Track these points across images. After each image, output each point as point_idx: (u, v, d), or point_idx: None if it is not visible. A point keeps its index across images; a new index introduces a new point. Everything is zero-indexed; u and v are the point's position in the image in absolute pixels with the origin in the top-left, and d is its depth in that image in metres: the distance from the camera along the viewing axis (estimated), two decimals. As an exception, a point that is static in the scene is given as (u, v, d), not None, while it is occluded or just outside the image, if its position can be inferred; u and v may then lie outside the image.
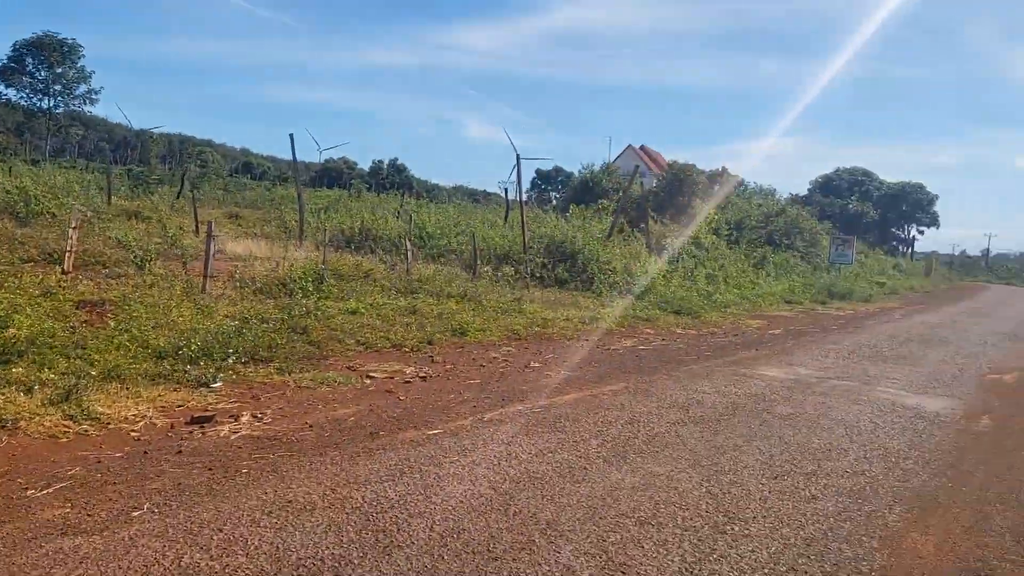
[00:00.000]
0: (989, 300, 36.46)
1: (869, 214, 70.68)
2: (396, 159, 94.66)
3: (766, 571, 4.17)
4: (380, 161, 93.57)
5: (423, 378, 8.87)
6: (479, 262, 19.19)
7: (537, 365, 10.08)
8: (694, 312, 17.75)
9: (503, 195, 38.89)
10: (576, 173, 37.37)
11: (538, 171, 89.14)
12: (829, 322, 19.03)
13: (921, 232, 79.06)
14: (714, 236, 30.43)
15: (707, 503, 5.11)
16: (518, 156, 20.67)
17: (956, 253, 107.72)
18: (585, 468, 5.67)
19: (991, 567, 4.45)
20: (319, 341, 10.08)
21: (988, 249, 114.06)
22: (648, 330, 14.74)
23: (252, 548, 4.07)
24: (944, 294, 39.62)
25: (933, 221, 77.06)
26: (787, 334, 15.70)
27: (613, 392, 8.53)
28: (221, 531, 4.24)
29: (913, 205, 75.69)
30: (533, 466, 5.65)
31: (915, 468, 6.33)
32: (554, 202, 60.81)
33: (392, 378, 8.78)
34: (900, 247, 77.60)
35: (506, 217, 29.65)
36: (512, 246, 21.76)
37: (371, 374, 8.91)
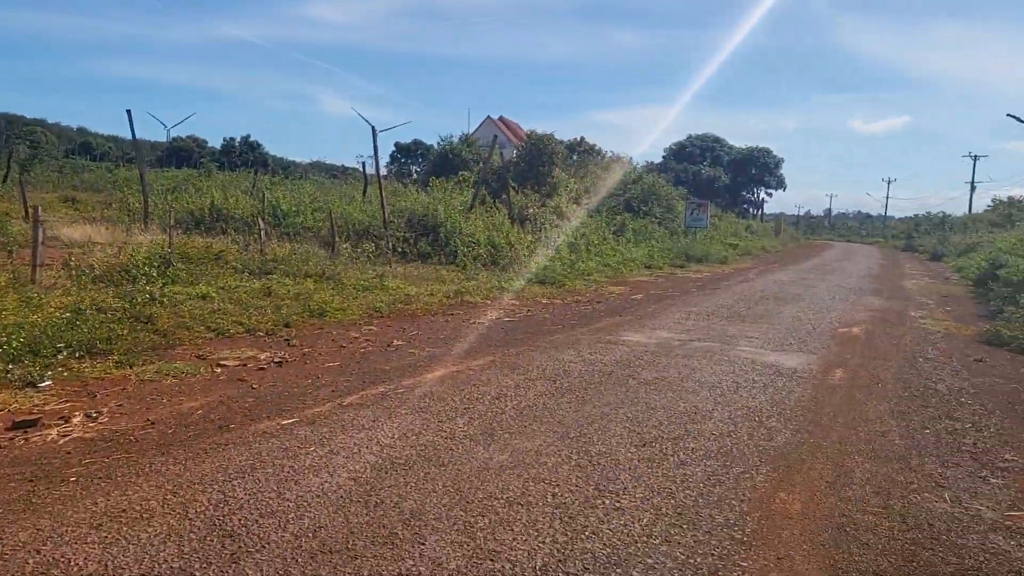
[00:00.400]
0: (833, 257, 38.51)
1: (721, 179, 73.26)
2: (249, 136, 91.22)
3: (639, 545, 4.03)
4: (232, 139, 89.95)
5: (279, 363, 8.38)
6: (338, 239, 18.59)
7: (400, 343, 9.74)
8: (558, 281, 17.78)
9: (362, 170, 38.05)
10: (435, 146, 36.77)
11: (398, 144, 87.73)
12: (688, 285, 19.48)
13: (769, 194, 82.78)
14: (575, 204, 30.70)
15: (577, 477, 4.95)
16: (374, 129, 20.06)
17: (802, 214, 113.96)
18: (451, 449, 5.41)
19: (854, 521, 4.48)
20: (165, 330, 9.39)
21: (830, 209, 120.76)
22: (513, 301, 14.60)
23: (75, 570, 3.60)
24: (793, 253, 41.60)
25: (780, 183, 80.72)
26: (648, 299, 15.92)
27: (479, 367, 8.31)
28: (39, 553, 3.74)
29: (761, 169, 79.00)
30: (396, 451, 5.34)
31: (778, 426, 6.40)
32: (415, 176, 60.06)
33: (245, 365, 8.26)
34: (751, 209, 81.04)
35: (364, 192, 28.92)
36: (372, 221, 21.21)
37: (222, 362, 8.36)
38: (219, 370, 7.96)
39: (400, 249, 19.91)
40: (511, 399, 6.90)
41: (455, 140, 35.37)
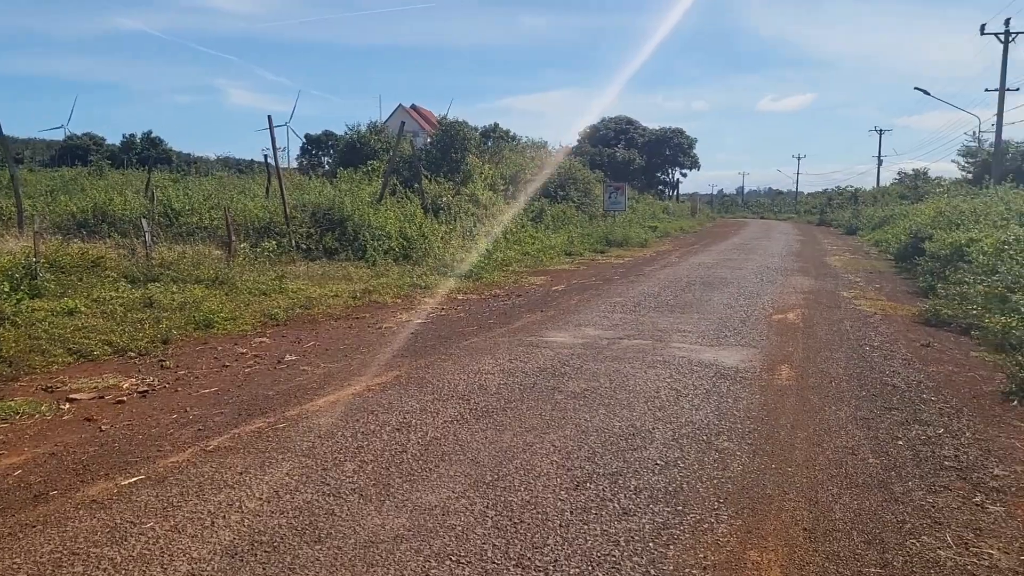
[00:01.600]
0: (752, 235, 38.34)
1: (636, 161, 73.06)
2: (151, 132, 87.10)
3: (579, 657, 2.97)
4: (132, 135, 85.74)
5: (143, 393, 7.06)
6: (234, 239, 17.07)
7: (293, 359, 8.49)
8: (475, 274, 16.71)
9: (266, 163, 36.20)
10: (343, 135, 35.11)
11: (308, 136, 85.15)
12: (610, 272, 18.60)
13: (684, 175, 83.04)
14: (491, 192, 29.62)
15: (495, 547, 3.85)
16: (269, 118, 18.58)
17: (716, 193, 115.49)
18: (334, 513, 4.25)
19: (849, 586, 3.51)
20: (12, 356, 7.95)
21: (743, 187, 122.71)
22: (426, 299, 13.44)
23: None
24: (711, 232, 41.37)
25: (694, 163, 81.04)
26: (571, 289, 14.94)
27: (381, 386, 7.14)
28: None
29: (675, 149, 79.18)
30: (263, 521, 4.16)
31: (731, 447, 5.43)
32: (327, 167, 58.04)
33: (102, 397, 6.91)
34: (667, 190, 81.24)
35: (268, 187, 27.25)
36: (273, 218, 19.72)
37: (74, 395, 6.99)
38: (67, 407, 6.61)
39: (305, 246, 18.51)
40: (415, 430, 5.76)
41: (363, 129, 33.80)
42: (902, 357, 8.72)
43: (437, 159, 31.14)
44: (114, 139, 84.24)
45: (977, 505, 4.50)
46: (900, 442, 5.60)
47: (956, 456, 5.33)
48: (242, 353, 8.82)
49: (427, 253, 19.16)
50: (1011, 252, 13.26)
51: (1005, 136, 34.85)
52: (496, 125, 50.84)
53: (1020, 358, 7.94)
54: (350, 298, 12.95)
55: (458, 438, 5.54)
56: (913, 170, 59.09)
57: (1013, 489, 4.76)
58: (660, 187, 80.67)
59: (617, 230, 29.94)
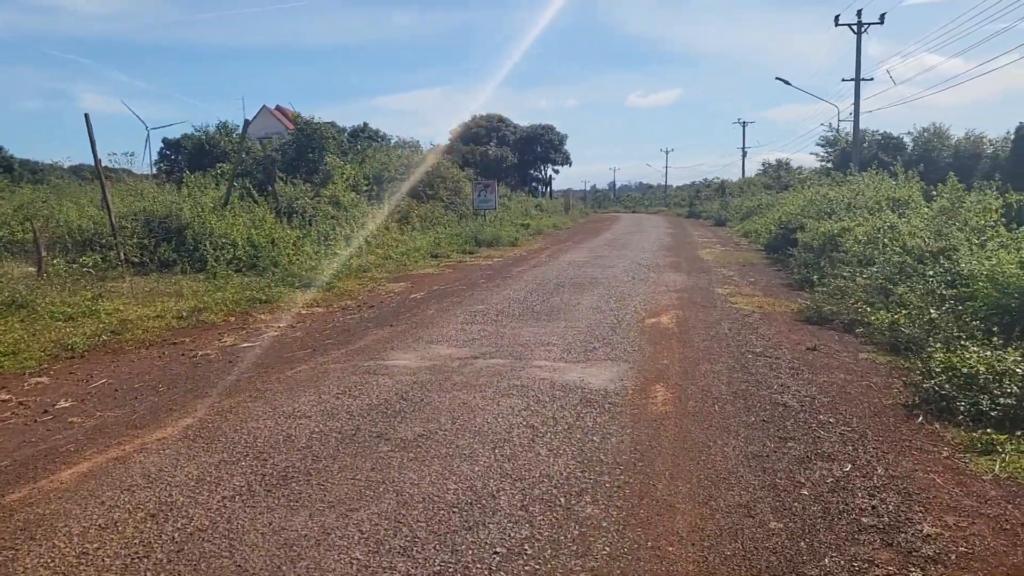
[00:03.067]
0: (624, 230, 37.91)
1: (508, 158, 72.25)
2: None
3: None
4: (-35, 143, 79.10)
5: None
6: (46, 253, 14.90)
7: (66, 405, 6.79)
8: (327, 283, 15.09)
9: (126, 169, 33.41)
10: (192, 135, 32.56)
11: (165, 140, 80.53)
12: (477, 275, 17.30)
13: (556, 171, 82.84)
14: (353, 193, 27.91)
15: None
16: (87, 115, 16.35)
17: (588, 188, 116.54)
18: None
19: None
20: None
21: (614, 182, 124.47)
22: (263, 316, 11.78)
23: None
24: (584, 228, 40.77)
25: (566, 160, 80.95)
26: (430, 297, 13.55)
27: (159, 444, 5.56)
28: None
29: (546, 146, 78.84)
30: None
31: (595, 515, 4.16)
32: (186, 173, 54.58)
33: None
34: (540, 187, 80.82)
35: (103, 194, 24.67)
36: (100, 228, 17.54)
37: None
38: None
39: (136, 259, 16.44)
40: (178, 515, 4.24)
41: (212, 130, 31.41)
42: (788, 365, 7.74)
43: (294, 160, 29.22)
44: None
45: (916, 590, 3.37)
46: (804, 491, 4.46)
47: (874, 508, 4.23)
48: (3, 401, 7.04)
49: (276, 261, 17.38)
50: (885, 240, 12.69)
51: (862, 125, 35.53)
52: (365, 125, 49.15)
53: (917, 363, 7.05)
54: (175, 319, 11.18)
55: (231, 526, 4.06)
56: (776, 160, 60.52)
57: (952, 557, 3.67)
58: (533, 184, 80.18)
59: (487, 229, 28.72)
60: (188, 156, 31.56)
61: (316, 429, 5.76)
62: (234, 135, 31.61)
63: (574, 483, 4.59)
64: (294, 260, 17.45)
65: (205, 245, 17.02)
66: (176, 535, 3.97)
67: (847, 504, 4.27)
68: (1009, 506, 4.28)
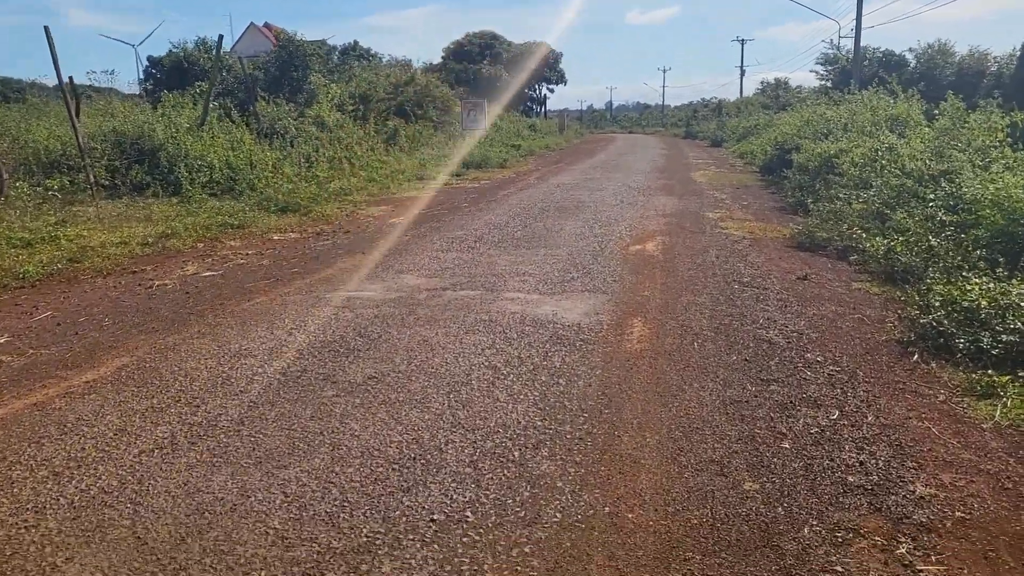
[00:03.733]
0: (618, 150, 37.09)
1: (502, 77, 70.62)
2: (-34, 57, 78.55)
3: None
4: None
5: None
6: (6, 176, 14.27)
7: (0, 341, 6.32)
8: (305, 207, 14.52)
9: (113, 89, 32.37)
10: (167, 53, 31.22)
11: (151, 59, 78.49)
12: (461, 198, 16.70)
13: (551, 91, 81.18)
14: (339, 113, 27.05)
15: None
16: (46, 28, 15.45)
17: (585, 108, 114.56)
18: None
19: None
20: None
21: (611, 102, 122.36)
22: (234, 243, 11.25)
23: None
24: (577, 149, 39.90)
25: (561, 79, 79.25)
26: (409, 222, 13.00)
27: (86, 387, 5.09)
28: None
29: (541, 64, 77.06)
30: None
31: (551, 473, 3.71)
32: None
33: None
34: (535, 107, 79.31)
35: (77, 112, 23.78)
36: (69, 149, 16.82)
37: None
38: None
39: (108, 182, 15.79)
40: (86, 473, 3.79)
41: (190, 46, 30.23)
42: (776, 297, 7.27)
43: (277, 79, 28.22)
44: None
45: (906, 566, 2.95)
46: (785, 444, 4.02)
47: (861, 464, 3.79)
48: (-65, 336, 6.56)
49: (254, 184, 16.74)
50: (883, 162, 12.08)
51: (863, 42, 34.38)
52: (356, 43, 47.81)
53: (914, 295, 6.57)
54: (139, 245, 10.67)
55: (141, 487, 3.62)
56: (775, 79, 59.16)
57: (948, 524, 3.25)
58: (528, 103, 78.62)
59: (476, 150, 27.95)
60: (166, 74, 30.35)
61: (259, 370, 5.29)
62: (214, 52, 30.44)
63: (532, 434, 4.15)
64: (272, 183, 16.82)
65: (180, 167, 16.37)
66: (76, 498, 3.52)
67: (832, 460, 3.83)
68: (1011, 460, 3.85)
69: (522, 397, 4.68)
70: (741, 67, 75.66)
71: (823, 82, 46.68)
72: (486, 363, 5.33)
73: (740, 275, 8.23)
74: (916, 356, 5.45)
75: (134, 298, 7.85)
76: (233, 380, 5.09)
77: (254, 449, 4.01)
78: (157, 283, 8.56)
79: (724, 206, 14.30)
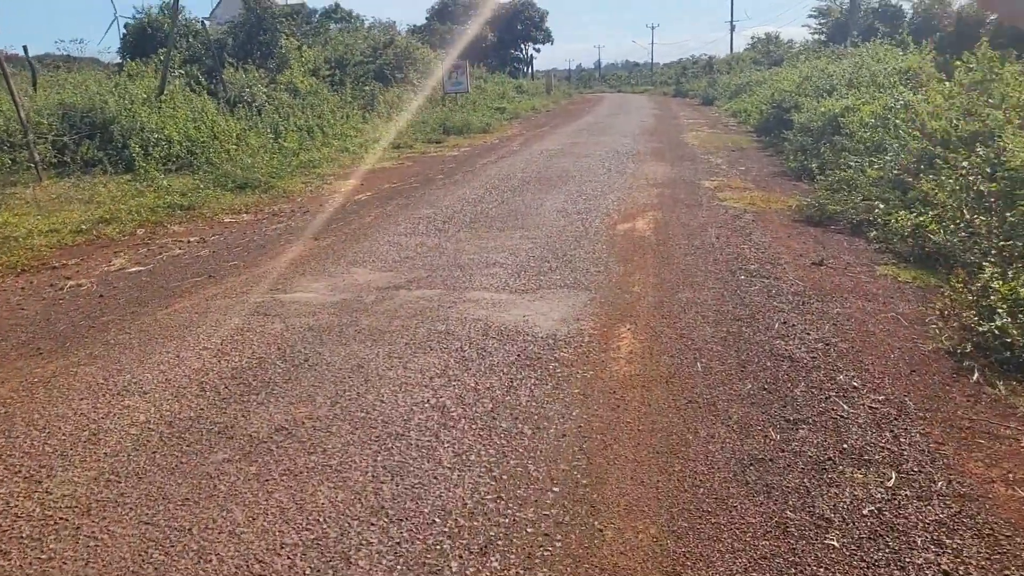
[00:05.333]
0: (606, 111, 35.70)
1: (488, 37, 68.71)
2: (-65, 27, 76.22)
3: None
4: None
5: None
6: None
7: None
8: (266, 183, 13.26)
9: (92, 58, 30.70)
10: (132, 20, 29.58)
11: (128, 26, 76.37)
12: (436, 169, 15.43)
13: (537, 50, 79.26)
14: (313, 79, 25.63)
15: None
16: None
17: (574, 68, 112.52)
18: None
19: None
20: None
21: (599, 61, 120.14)
22: (178, 228, 10.04)
23: None
24: (565, 111, 38.47)
25: (547, 38, 77.31)
26: (375, 199, 11.76)
27: (-87, 448, 3.92)
28: None
29: (527, 23, 75.17)
30: None
31: (499, 607, 2.57)
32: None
33: None
34: (522, 68, 77.43)
35: (34, 84, 22.26)
36: (11, 124, 15.47)
37: None
38: None
39: (58, 160, 14.50)
40: None
41: (154, 11, 28.61)
42: (792, 290, 6.10)
43: (244, 44, 26.71)
44: None
45: None
46: (832, 540, 2.87)
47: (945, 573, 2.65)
48: None
49: (215, 157, 15.45)
50: (898, 121, 10.83)
51: (860, -8, 32.91)
52: (337, 5, 46.09)
53: (961, 287, 5.38)
54: (71, 233, 9.48)
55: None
56: (765, 34, 57.46)
57: None
58: (515, 64, 76.72)
59: (458, 115, 26.58)
60: (131, 43, 28.74)
61: (141, 418, 4.11)
62: (184, 16, 28.81)
63: (479, 527, 2.99)
64: (233, 156, 15.53)
65: (134, 143, 15.07)
66: None
67: (903, 568, 2.69)
68: None
69: (473, 458, 3.52)
70: (731, 21, 73.87)
71: (817, 35, 45.17)
72: (432, 402, 4.16)
73: (746, 261, 7.05)
74: (976, 375, 4.32)
75: (37, 304, 6.66)
76: (101, 435, 3.92)
77: (87, 560, 2.84)
78: (71, 283, 7.37)
79: (721, 172, 13.08)
